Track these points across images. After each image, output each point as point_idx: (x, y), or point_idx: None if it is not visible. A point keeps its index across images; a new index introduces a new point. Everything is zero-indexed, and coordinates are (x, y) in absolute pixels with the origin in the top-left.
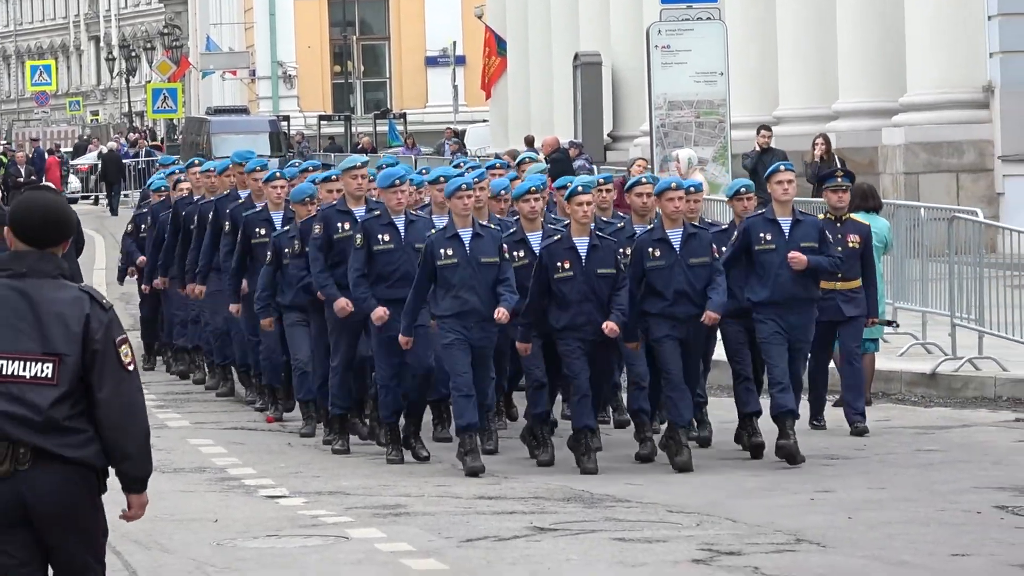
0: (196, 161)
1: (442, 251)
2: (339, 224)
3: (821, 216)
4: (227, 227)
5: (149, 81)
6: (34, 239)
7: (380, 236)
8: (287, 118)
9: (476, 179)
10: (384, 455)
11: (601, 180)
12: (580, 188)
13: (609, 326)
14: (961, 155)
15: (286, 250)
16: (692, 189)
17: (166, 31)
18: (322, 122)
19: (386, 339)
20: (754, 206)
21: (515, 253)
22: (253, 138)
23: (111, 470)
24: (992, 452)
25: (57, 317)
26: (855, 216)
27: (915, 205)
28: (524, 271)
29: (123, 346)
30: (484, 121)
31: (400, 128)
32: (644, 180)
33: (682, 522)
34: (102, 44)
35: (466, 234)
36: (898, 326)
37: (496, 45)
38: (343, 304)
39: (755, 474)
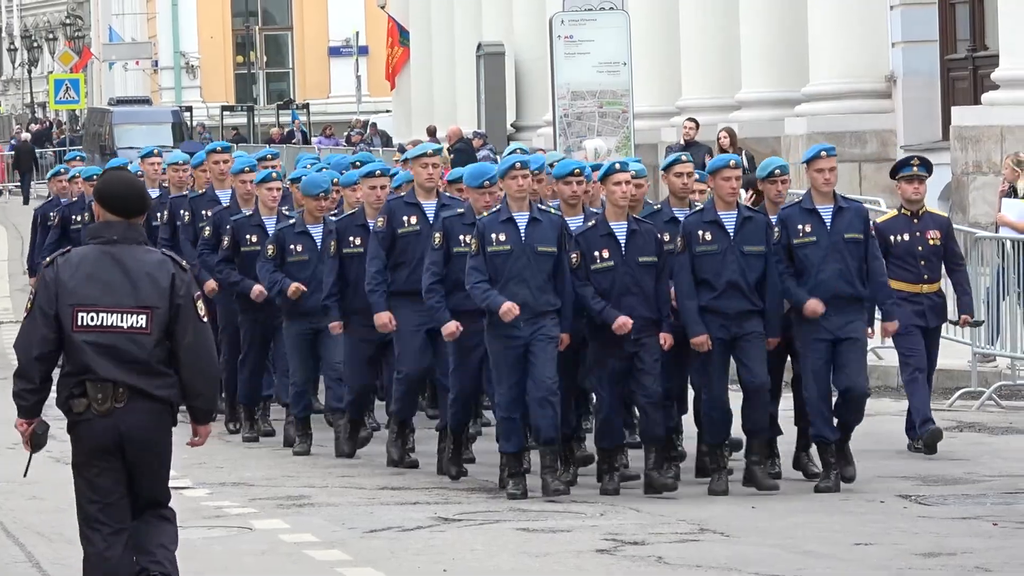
0: (155, 151)
1: (494, 236)
2: (405, 218)
3: (893, 212)
4: (208, 232)
5: (51, 72)
6: (122, 210)
7: (461, 237)
8: (189, 109)
9: (537, 169)
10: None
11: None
12: (618, 166)
13: (667, 340)
14: (864, 145)
15: (292, 246)
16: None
17: (68, 21)
18: (225, 113)
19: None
20: (787, 190)
21: None
22: (156, 129)
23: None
24: (895, 442)
25: (148, 276)
26: (930, 208)
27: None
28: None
29: (199, 300)
30: (387, 111)
31: (303, 118)
32: (684, 159)
33: (586, 512)
34: (4, 35)
35: (522, 218)
36: (979, 324)
37: (399, 35)
38: (385, 320)
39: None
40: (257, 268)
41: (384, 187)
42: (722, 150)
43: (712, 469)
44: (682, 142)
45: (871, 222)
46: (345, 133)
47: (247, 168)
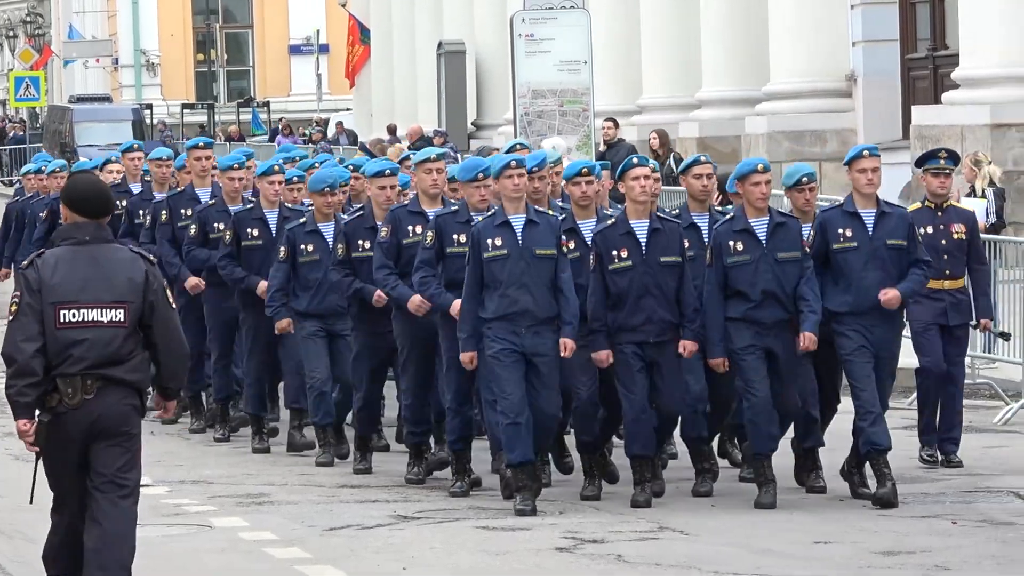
0: (135, 145)
1: (489, 241)
2: (410, 227)
3: (916, 205)
4: (194, 230)
5: (11, 69)
6: (89, 212)
7: (455, 236)
8: (150, 106)
9: (552, 163)
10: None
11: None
12: (636, 160)
13: (687, 347)
14: (824, 144)
15: (302, 246)
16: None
17: (29, 19)
18: (185, 110)
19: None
20: (815, 197)
21: (564, 243)
22: (116, 126)
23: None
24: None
25: (122, 273)
26: (956, 203)
27: (776, 194)
28: (573, 265)
29: (168, 289)
30: (348, 110)
31: (263, 116)
32: (703, 160)
33: (546, 510)
34: None
35: (518, 221)
36: (1008, 338)
37: (360, 33)
38: (418, 302)
39: (618, 465)
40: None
41: (394, 187)
42: (652, 152)
43: (759, 482)
44: (603, 144)
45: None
46: (304, 131)
47: (276, 167)
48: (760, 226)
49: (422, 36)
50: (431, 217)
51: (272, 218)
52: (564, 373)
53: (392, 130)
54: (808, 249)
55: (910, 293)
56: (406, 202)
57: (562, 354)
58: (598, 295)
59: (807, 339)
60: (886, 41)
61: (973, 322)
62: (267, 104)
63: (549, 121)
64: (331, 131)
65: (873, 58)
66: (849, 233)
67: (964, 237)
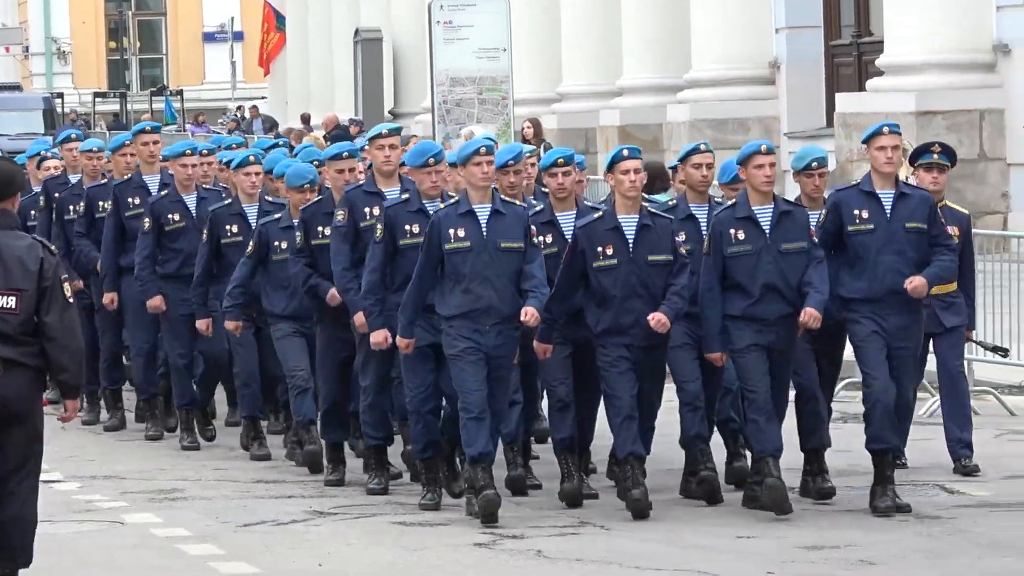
0: (73, 135)
1: (451, 231)
2: (367, 209)
3: None
4: (147, 225)
5: None
6: None
7: (407, 227)
8: (61, 95)
9: (512, 160)
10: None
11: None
12: (625, 152)
13: (657, 318)
14: (747, 132)
15: (276, 243)
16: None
17: None
18: (97, 99)
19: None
20: (825, 184)
21: (541, 238)
22: (26, 115)
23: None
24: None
25: (18, 260)
26: (950, 203)
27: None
28: (551, 260)
29: (66, 283)
30: (263, 98)
31: (176, 105)
32: (703, 148)
33: (464, 505)
34: None
35: (483, 211)
36: (1006, 354)
37: (275, 20)
38: (364, 320)
39: (542, 462)
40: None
41: (353, 170)
42: (525, 141)
43: (754, 483)
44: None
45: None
46: (219, 120)
47: (252, 159)
48: (764, 214)
49: (338, 23)
50: (384, 209)
51: (251, 213)
52: (538, 371)
53: (306, 119)
54: (815, 237)
55: (937, 279)
56: (362, 181)
57: (522, 319)
58: (562, 289)
59: (808, 315)
60: (809, 27)
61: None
62: (180, 93)
63: (468, 109)
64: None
65: (796, 45)
66: (866, 215)
67: (957, 240)
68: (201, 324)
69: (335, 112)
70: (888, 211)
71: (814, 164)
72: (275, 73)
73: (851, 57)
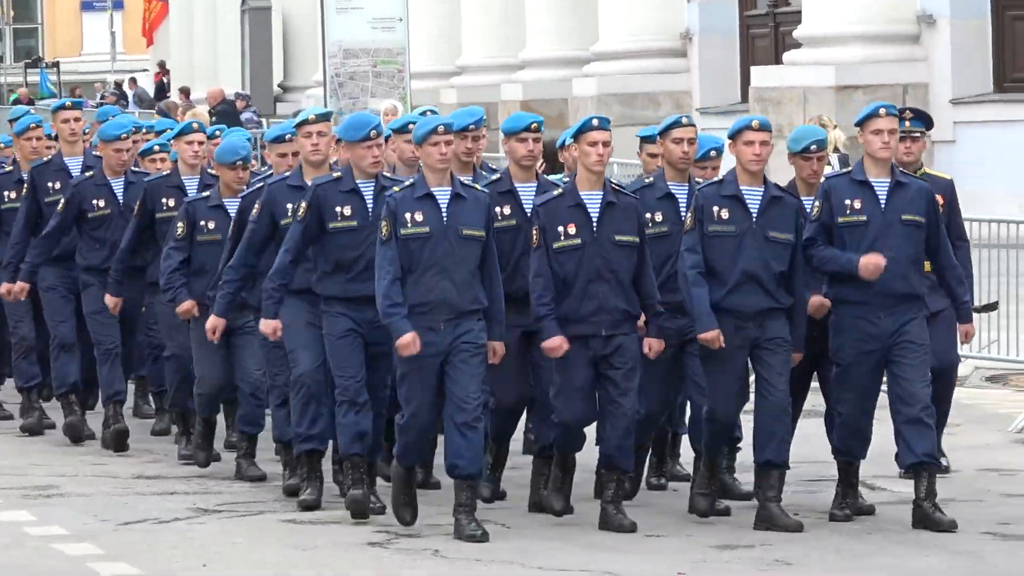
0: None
1: (408, 215)
2: (289, 205)
3: None
4: (62, 205)
5: None
6: None
7: (340, 209)
8: None
9: (473, 125)
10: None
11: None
12: (595, 122)
13: (651, 345)
14: (657, 107)
15: (203, 223)
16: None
17: None
18: None
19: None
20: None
21: (498, 208)
22: None
23: None
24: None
25: None
26: (930, 170)
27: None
28: (508, 234)
29: None
30: (144, 71)
31: (53, 78)
32: (685, 121)
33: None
34: None
35: (443, 194)
36: (996, 306)
37: None
38: (271, 329)
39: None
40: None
41: (296, 154)
42: None
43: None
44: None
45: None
46: (99, 95)
47: (195, 126)
48: (753, 196)
49: None
50: (310, 185)
51: (192, 186)
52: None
53: (187, 93)
54: (807, 227)
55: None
56: (287, 174)
57: (491, 359)
58: (545, 275)
59: (814, 303)
60: None
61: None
62: (56, 65)
63: (362, 83)
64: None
65: (709, 15)
66: (858, 205)
67: (942, 209)
68: (109, 302)
69: (221, 86)
70: (883, 201)
71: (813, 147)
72: (158, 44)
73: (767, 28)
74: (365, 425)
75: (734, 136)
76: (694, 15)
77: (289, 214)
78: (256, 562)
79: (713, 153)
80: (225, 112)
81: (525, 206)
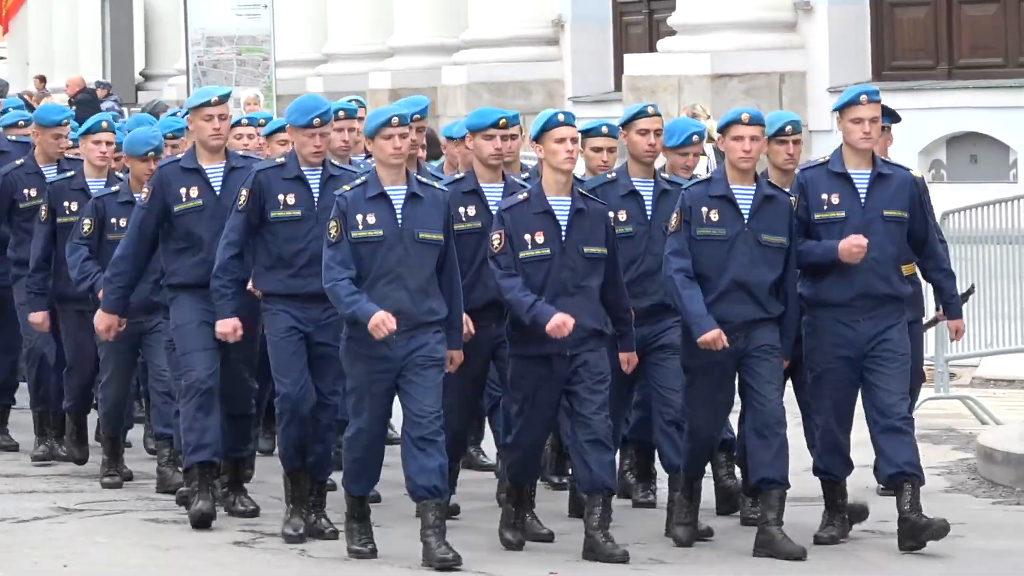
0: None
1: (360, 217)
2: (182, 190)
3: None
4: None
5: None
6: None
7: (283, 197)
8: None
9: (417, 115)
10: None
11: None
12: (561, 117)
13: (627, 359)
14: (528, 96)
15: (113, 220)
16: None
17: None
18: None
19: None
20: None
21: (461, 209)
22: None
23: None
24: None
25: None
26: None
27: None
28: (473, 238)
29: None
30: (1, 58)
31: None
32: (651, 111)
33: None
34: None
35: (397, 194)
36: (973, 289)
37: None
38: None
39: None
40: (67, 251)
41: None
42: None
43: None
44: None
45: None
46: None
47: (104, 124)
48: (744, 196)
49: None
50: (252, 173)
51: (97, 188)
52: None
53: (43, 80)
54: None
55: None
56: (179, 156)
57: (447, 368)
58: (514, 273)
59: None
60: None
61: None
62: None
63: (226, 71)
64: None
65: (582, 2)
66: (836, 200)
67: None
68: (36, 317)
69: (81, 75)
70: (863, 195)
71: (788, 128)
72: (15, 31)
73: (641, 16)
74: (308, 437)
75: (723, 130)
76: (566, 2)
77: (183, 199)
78: (119, 563)
79: (695, 138)
80: (85, 101)
81: (492, 208)
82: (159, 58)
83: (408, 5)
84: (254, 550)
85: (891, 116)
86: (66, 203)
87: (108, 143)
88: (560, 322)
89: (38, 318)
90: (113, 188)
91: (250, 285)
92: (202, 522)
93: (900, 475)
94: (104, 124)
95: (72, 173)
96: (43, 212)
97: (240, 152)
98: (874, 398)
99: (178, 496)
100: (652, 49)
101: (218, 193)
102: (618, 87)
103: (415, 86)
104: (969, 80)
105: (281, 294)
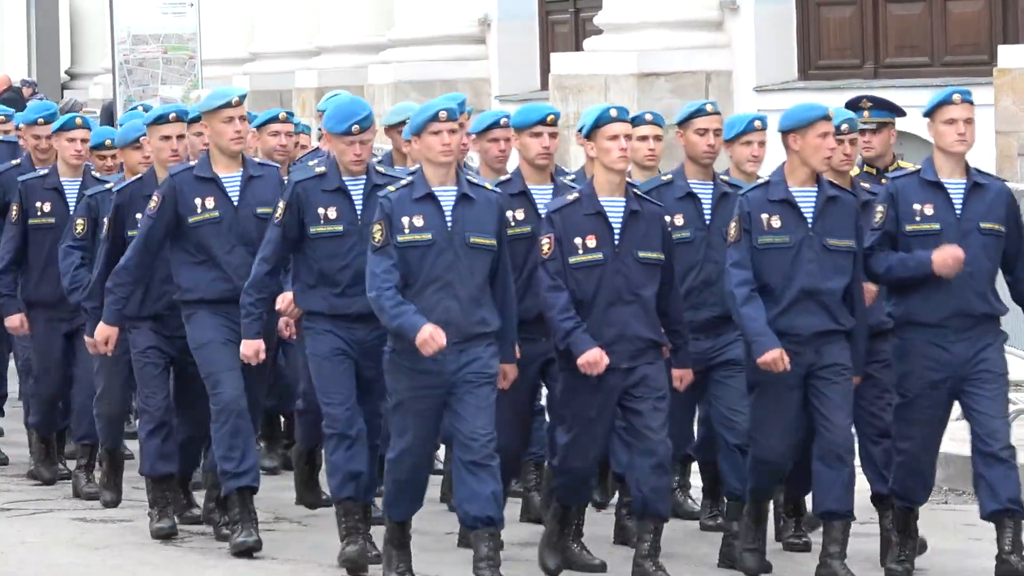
0: None
1: (406, 220)
2: (197, 201)
3: (856, 171)
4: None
5: None
6: None
7: (324, 210)
8: None
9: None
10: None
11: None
12: (614, 113)
13: (681, 376)
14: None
15: (106, 218)
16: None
17: None
18: None
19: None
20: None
21: (509, 213)
22: None
23: None
24: None
25: None
26: (904, 163)
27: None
28: (521, 245)
29: None
30: None
31: None
32: (710, 108)
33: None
34: None
35: (447, 195)
36: None
37: None
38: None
39: None
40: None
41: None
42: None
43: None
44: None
45: None
46: None
47: (78, 121)
48: (806, 198)
49: None
50: (291, 185)
51: (72, 189)
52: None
53: None
54: (866, 236)
55: None
56: (193, 163)
57: (500, 384)
58: (561, 286)
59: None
60: None
61: None
62: None
63: (152, 70)
64: None
65: (508, 1)
66: (929, 211)
67: None
68: (12, 321)
69: (6, 73)
70: (959, 206)
71: (844, 127)
72: None
73: (568, 14)
74: (359, 463)
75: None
76: (492, 1)
77: (199, 211)
78: (47, 562)
79: (758, 124)
80: (11, 100)
81: (541, 211)
82: (85, 56)
83: (335, 4)
84: (182, 549)
85: (889, 110)
86: (38, 203)
87: (83, 140)
88: (594, 360)
89: (15, 321)
90: (108, 185)
91: (279, 303)
92: (247, 553)
93: (1004, 512)
94: (79, 121)
95: (46, 172)
96: (14, 211)
97: (257, 160)
98: (975, 423)
99: (205, 513)
100: (578, 48)
101: (236, 204)
102: (544, 86)
103: (342, 85)
104: (895, 79)
105: (326, 314)
